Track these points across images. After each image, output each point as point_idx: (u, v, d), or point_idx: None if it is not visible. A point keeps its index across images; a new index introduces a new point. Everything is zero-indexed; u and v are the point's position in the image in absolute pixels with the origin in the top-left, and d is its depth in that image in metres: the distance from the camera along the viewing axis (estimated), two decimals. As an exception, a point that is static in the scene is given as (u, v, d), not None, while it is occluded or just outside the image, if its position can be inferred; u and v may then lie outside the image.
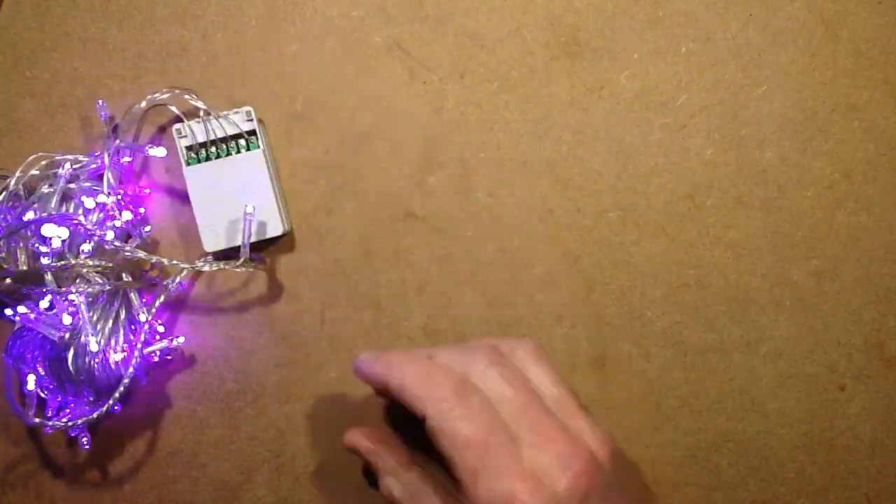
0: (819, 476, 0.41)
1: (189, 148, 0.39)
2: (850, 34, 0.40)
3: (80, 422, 0.37)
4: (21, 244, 0.38)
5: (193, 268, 0.38)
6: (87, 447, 0.39)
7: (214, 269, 0.38)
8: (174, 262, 0.38)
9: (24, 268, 0.37)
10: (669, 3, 0.40)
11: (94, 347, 0.37)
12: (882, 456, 0.41)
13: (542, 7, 0.40)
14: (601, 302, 0.41)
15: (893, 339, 0.41)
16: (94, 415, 0.37)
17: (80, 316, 0.37)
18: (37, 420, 0.38)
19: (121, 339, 0.38)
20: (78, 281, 0.37)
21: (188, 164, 0.39)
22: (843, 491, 0.41)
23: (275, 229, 0.39)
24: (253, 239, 0.39)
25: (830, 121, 0.41)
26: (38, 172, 0.39)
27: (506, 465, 0.30)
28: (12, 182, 0.38)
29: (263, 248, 0.41)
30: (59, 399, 0.38)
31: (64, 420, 0.38)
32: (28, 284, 0.37)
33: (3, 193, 0.38)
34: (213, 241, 0.39)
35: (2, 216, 0.38)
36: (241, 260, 0.38)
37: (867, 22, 0.40)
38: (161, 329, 0.40)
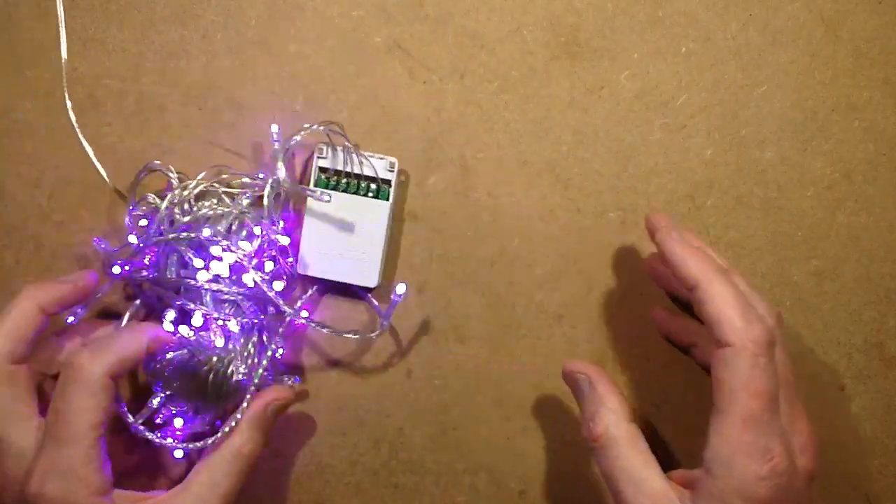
0: (819, 476, 0.41)
1: (323, 170, 0.39)
2: (850, 34, 0.40)
3: (186, 446, 0.37)
4: (174, 255, 0.37)
5: (311, 323, 0.37)
6: (180, 459, 0.38)
7: (325, 332, 0.38)
8: (305, 320, 0.37)
9: (171, 276, 0.37)
10: (669, 3, 0.40)
11: (240, 375, 0.36)
12: (882, 456, 0.41)
13: (542, 7, 0.40)
14: (601, 302, 0.41)
15: (893, 339, 0.41)
16: (203, 425, 0.38)
17: (232, 341, 0.37)
18: (144, 429, 0.37)
19: (259, 370, 0.37)
20: (227, 306, 0.37)
21: (316, 184, 0.39)
22: (844, 491, 0.41)
23: (368, 281, 0.39)
24: (345, 280, 0.39)
25: (830, 121, 0.41)
26: (218, 187, 0.38)
27: (776, 425, 0.31)
28: (192, 185, 0.38)
29: (349, 293, 0.41)
30: (173, 411, 0.38)
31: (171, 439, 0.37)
32: (182, 296, 0.37)
33: (174, 196, 0.37)
34: (308, 266, 0.39)
35: (166, 219, 0.37)
36: (379, 331, 0.39)
37: (867, 22, 0.40)
38: (280, 352, 0.39)
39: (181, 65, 0.41)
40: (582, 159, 0.41)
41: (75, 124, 0.40)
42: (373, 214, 0.39)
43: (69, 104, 0.40)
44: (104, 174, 0.40)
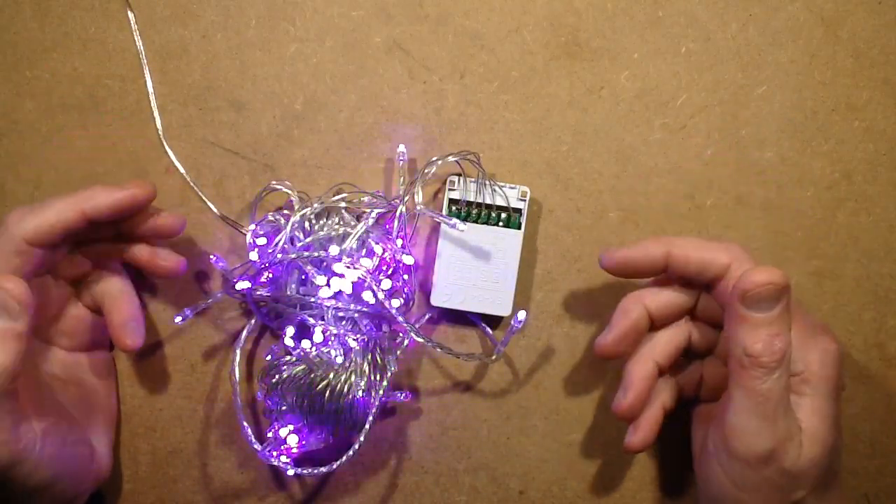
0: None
1: (454, 201, 0.39)
2: (850, 34, 0.40)
3: (302, 470, 0.37)
4: (295, 272, 0.37)
5: (431, 343, 0.37)
6: (290, 475, 0.39)
7: (440, 351, 0.38)
8: (421, 338, 0.37)
9: (290, 292, 0.37)
10: (669, 3, 0.40)
11: (359, 393, 0.36)
12: (882, 456, 0.41)
13: (542, 7, 0.40)
14: (601, 302, 0.41)
15: (893, 339, 0.41)
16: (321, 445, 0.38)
17: (351, 358, 0.37)
18: (270, 454, 0.37)
19: (380, 388, 0.37)
20: (345, 322, 0.37)
21: (448, 215, 0.39)
22: (843, 491, 0.41)
23: (501, 310, 0.39)
24: (479, 310, 0.39)
25: (830, 121, 0.41)
26: (344, 205, 0.38)
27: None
28: (316, 204, 0.38)
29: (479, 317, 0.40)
30: (290, 429, 0.38)
31: (284, 458, 0.37)
32: (303, 312, 0.37)
33: (299, 215, 0.37)
34: (443, 297, 0.39)
35: (291, 236, 0.37)
36: (495, 356, 0.38)
37: (867, 22, 0.40)
38: (392, 370, 0.39)
39: (181, 65, 0.41)
40: (582, 159, 0.41)
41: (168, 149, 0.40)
42: (505, 243, 0.39)
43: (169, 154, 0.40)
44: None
